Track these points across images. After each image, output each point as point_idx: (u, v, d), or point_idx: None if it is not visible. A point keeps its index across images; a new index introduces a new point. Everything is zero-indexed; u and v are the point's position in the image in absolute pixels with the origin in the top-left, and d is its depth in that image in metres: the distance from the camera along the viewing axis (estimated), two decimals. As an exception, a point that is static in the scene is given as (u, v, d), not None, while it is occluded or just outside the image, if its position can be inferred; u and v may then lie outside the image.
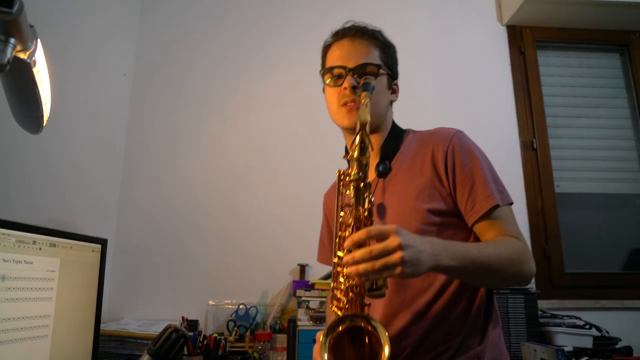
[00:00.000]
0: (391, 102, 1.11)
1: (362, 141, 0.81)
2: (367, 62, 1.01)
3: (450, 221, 0.97)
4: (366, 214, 0.82)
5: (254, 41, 2.22)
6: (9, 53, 0.56)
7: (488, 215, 0.93)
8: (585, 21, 2.31)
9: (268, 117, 2.13)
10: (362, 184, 0.82)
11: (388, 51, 1.08)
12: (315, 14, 2.24)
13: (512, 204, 0.97)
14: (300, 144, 2.10)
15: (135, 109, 2.09)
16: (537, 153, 2.18)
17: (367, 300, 0.84)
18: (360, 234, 0.76)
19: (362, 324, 0.79)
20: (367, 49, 1.04)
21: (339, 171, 0.94)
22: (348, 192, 0.85)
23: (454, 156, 0.97)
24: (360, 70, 1.01)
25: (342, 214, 0.89)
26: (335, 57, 1.05)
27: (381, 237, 0.75)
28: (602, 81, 2.38)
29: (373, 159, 1.06)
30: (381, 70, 1.04)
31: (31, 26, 0.62)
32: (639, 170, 2.26)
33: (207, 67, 2.17)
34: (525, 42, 2.32)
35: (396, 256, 0.72)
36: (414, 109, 1.93)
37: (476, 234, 0.96)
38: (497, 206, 0.92)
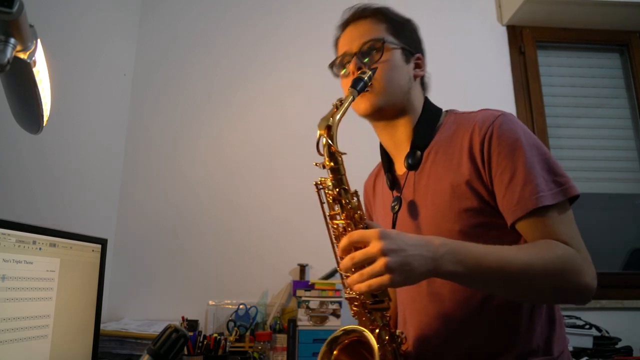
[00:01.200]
0: (417, 78, 1.01)
1: (328, 146, 0.78)
2: (370, 39, 0.94)
3: (494, 222, 0.84)
4: (357, 217, 0.79)
5: (254, 41, 2.22)
6: (9, 53, 0.56)
7: (531, 215, 0.78)
8: (585, 21, 2.31)
9: (268, 117, 2.13)
10: (337, 191, 0.79)
11: (399, 25, 1.00)
12: (315, 14, 2.24)
13: (573, 197, 0.80)
14: (300, 143, 2.09)
15: (135, 109, 2.09)
16: (537, 153, 2.18)
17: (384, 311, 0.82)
18: (343, 242, 0.72)
19: (354, 338, 0.79)
20: (371, 26, 0.97)
21: (316, 182, 0.83)
22: (329, 199, 0.81)
23: (490, 145, 0.83)
24: (364, 51, 0.94)
25: (335, 223, 0.82)
26: (341, 46, 1.01)
27: (363, 242, 0.69)
28: (602, 81, 2.38)
29: (404, 148, 0.98)
30: (389, 45, 0.95)
31: (31, 26, 0.62)
32: (639, 170, 2.26)
33: (208, 67, 2.17)
34: (525, 42, 2.32)
35: (380, 263, 0.66)
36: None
37: (521, 235, 0.82)
38: (543, 206, 0.77)
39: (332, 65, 1.03)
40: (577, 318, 1.75)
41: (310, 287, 1.73)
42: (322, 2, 2.28)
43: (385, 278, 0.66)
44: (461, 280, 0.75)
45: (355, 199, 0.80)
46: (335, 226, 0.81)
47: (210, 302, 1.87)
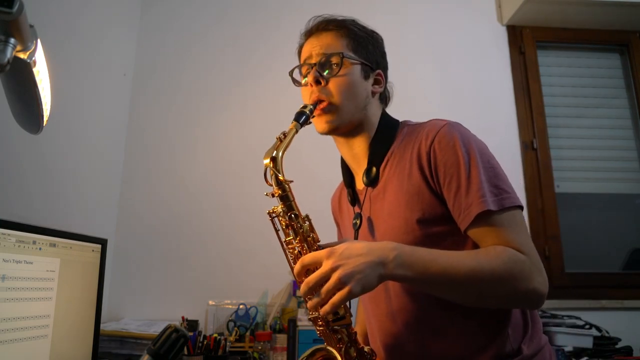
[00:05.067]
0: (375, 94, 1.01)
1: (275, 176, 0.83)
2: (329, 53, 0.94)
3: (447, 229, 0.85)
4: (310, 240, 0.83)
5: (253, 40, 2.22)
6: (9, 53, 0.56)
7: (480, 222, 0.79)
8: (585, 21, 2.31)
9: (267, 118, 2.12)
10: (288, 216, 0.84)
11: (361, 40, 0.99)
12: (313, 13, 2.24)
13: (517, 207, 0.81)
14: (298, 145, 2.08)
15: (135, 109, 2.09)
16: (537, 153, 2.18)
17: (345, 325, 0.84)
18: (297, 267, 0.77)
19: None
20: (333, 39, 0.97)
21: (269, 212, 0.87)
22: (283, 226, 0.86)
23: (436, 154, 0.85)
24: (323, 63, 0.95)
25: (291, 247, 0.86)
26: (302, 56, 1.01)
27: (315, 264, 0.74)
28: (602, 81, 2.38)
29: (363, 163, 1.00)
30: (348, 60, 0.95)
31: (31, 26, 0.62)
32: (639, 170, 2.26)
33: (209, 67, 2.17)
34: (525, 42, 2.32)
35: (333, 279, 0.70)
36: (414, 110, 1.93)
37: (476, 242, 0.83)
38: (489, 211, 0.78)
39: (292, 73, 1.03)
40: (577, 318, 1.75)
41: (310, 287, 1.72)
42: (320, 5, 2.27)
43: (344, 291, 0.70)
44: (411, 284, 0.80)
45: (307, 222, 0.85)
46: (291, 250, 0.85)
47: (210, 302, 1.87)
